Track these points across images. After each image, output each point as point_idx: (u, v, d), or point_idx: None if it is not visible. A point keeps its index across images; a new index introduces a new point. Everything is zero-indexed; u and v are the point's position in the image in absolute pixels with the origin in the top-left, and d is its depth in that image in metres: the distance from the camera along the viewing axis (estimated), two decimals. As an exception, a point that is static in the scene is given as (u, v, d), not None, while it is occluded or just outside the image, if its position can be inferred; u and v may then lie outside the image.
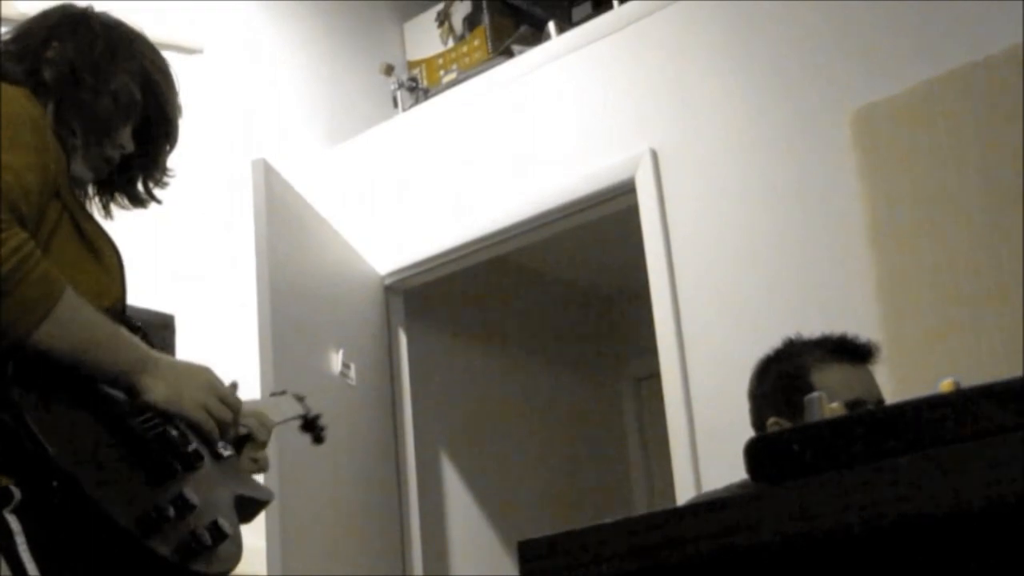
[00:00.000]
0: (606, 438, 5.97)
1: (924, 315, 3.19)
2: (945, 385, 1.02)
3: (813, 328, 2.52)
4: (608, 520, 1.01)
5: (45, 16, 1.99)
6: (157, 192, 2.07)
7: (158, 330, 3.22)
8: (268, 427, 2.05)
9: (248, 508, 1.87)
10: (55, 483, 1.54)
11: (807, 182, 3.56)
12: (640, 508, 5.73)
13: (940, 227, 3.22)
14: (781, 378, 2.43)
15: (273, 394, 2.35)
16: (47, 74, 1.88)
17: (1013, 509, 0.86)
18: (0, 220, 1.60)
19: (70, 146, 1.87)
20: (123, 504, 1.58)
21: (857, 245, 3.38)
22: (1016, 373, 0.97)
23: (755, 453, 1.00)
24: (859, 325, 2.61)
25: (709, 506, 0.96)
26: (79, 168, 1.91)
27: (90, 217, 1.89)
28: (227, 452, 1.86)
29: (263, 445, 2.03)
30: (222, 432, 1.83)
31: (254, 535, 2.03)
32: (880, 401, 2.40)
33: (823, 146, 3.54)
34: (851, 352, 2.44)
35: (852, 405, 2.29)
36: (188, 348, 3.47)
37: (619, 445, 6.02)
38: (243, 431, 1.97)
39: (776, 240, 3.59)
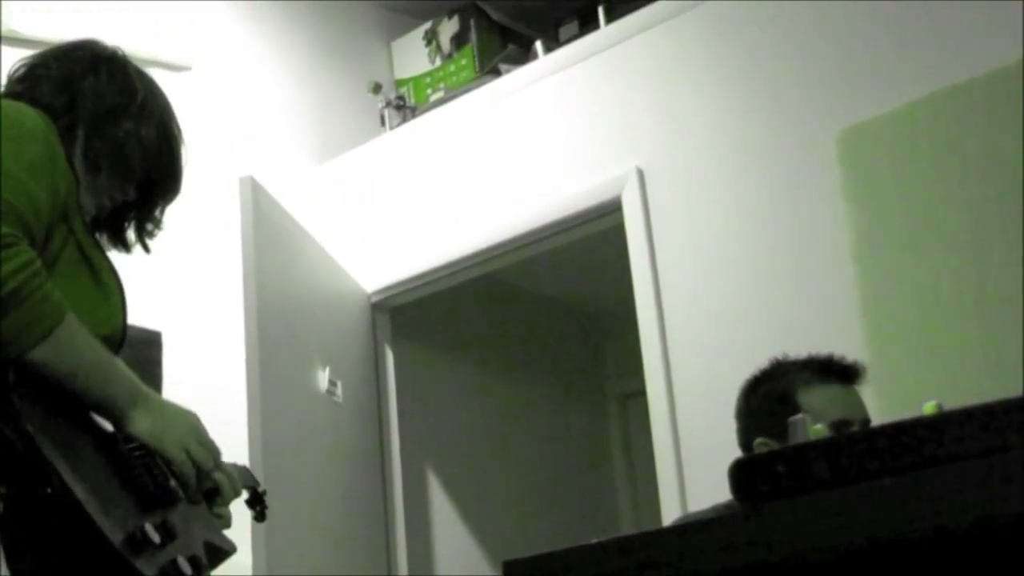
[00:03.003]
0: (592, 457, 5.96)
1: (909, 335, 3.20)
2: (928, 407, 1.03)
3: (799, 347, 2.52)
4: (594, 540, 1.01)
5: (86, 47, 2.02)
6: (147, 241, 2.10)
7: (145, 347, 3.21)
8: (236, 488, 2.05)
9: (212, 555, 1.87)
10: (49, 490, 1.54)
11: (793, 202, 3.57)
12: (626, 527, 5.72)
13: (925, 248, 3.24)
14: (768, 398, 2.44)
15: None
16: (82, 107, 1.90)
17: (997, 531, 0.87)
18: (9, 235, 1.59)
19: (90, 178, 1.89)
20: (113, 521, 1.58)
21: (843, 265, 3.38)
22: (1000, 394, 0.98)
23: (739, 474, 1.00)
24: (844, 345, 2.62)
25: (695, 527, 0.97)
26: (87, 200, 1.91)
27: (96, 245, 1.88)
28: (198, 498, 1.87)
29: (227, 502, 2.03)
30: (199, 476, 1.84)
31: (240, 551, 2.02)
32: (866, 421, 2.41)
33: (809, 166, 3.54)
34: (838, 372, 2.45)
35: (838, 425, 2.31)
36: (175, 365, 3.46)
37: (605, 464, 6.02)
38: (211, 484, 1.97)
39: (762, 259, 3.59)
